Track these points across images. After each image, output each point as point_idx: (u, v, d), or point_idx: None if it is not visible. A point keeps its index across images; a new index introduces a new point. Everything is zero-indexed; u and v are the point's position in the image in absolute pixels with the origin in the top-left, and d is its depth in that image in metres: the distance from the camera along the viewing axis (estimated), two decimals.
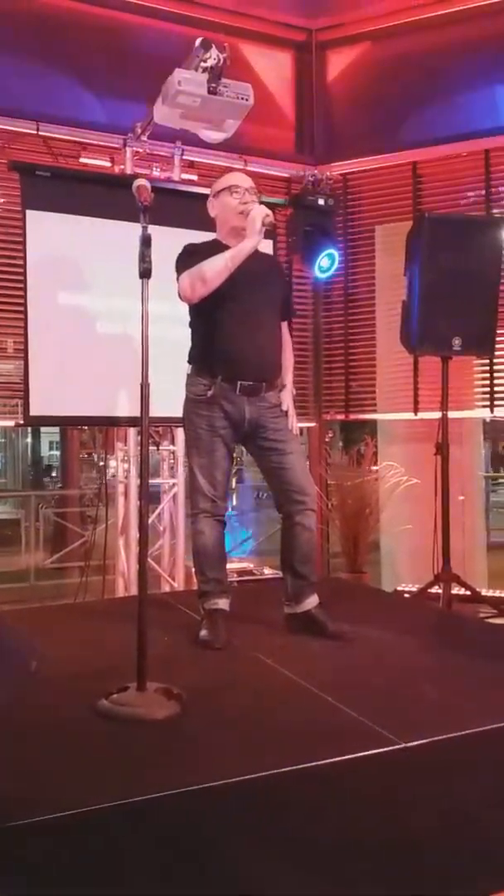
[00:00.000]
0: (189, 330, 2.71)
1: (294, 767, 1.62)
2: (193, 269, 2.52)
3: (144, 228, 2.05)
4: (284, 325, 2.80)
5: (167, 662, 2.24)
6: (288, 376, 2.77)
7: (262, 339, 2.62)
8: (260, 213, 2.49)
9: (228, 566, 2.94)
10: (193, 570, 2.75)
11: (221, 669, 2.33)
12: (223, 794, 1.55)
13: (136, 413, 2.07)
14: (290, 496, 2.65)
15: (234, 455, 2.74)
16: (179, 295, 2.57)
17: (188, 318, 2.70)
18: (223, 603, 2.64)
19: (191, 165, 4.33)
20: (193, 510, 2.67)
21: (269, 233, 2.69)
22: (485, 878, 1.75)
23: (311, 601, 2.67)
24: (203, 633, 2.55)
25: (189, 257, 2.57)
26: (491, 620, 3.82)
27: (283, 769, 1.61)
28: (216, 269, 2.49)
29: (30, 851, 1.40)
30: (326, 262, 4.54)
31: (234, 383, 2.59)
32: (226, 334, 2.58)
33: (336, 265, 4.54)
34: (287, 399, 2.71)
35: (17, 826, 1.39)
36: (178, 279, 2.57)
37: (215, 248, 2.57)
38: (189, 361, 2.71)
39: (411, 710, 1.98)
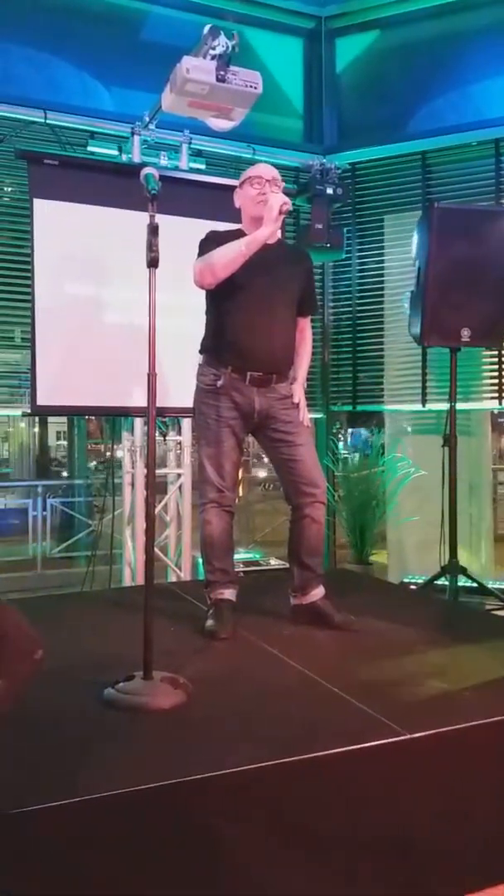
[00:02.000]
0: (203, 319, 2.70)
1: (299, 757, 1.62)
2: (207, 255, 2.51)
3: (152, 217, 2.04)
4: (306, 320, 2.77)
5: (173, 652, 2.25)
6: (301, 371, 2.75)
7: (274, 330, 2.61)
8: (277, 201, 2.47)
9: (235, 557, 2.94)
10: (201, 559, 2.76)
11: (227, 659, 2.34)
12: (228, 785, 1.56)
13: (144, 403, 2.07)
14: (299, 488, 2.64)
15: (243, 446, 2.73)
16: (194, 280, 2.56)
17: (203, 308, 2.69)
18: (229, 593, 2.65)
19: (199, 154, 4.31)
20: (202, 500, 2.67)
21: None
22: (488, 868, 1.75)
23: (317, 592, 2.67)
24: (209, 623, 2.56)
25: (209, 243, 2.56)
26: (497, 612, 3.81)
27: (288, 759, 1.62)
28: (230, 255, 2.47)
29: (34, 839, 1.41)
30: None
31: (244, 374, 2.59)
32: (237, 324, 2.57)
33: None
34: (298, 391, 2.70)
35: (22, 813, 1.39)
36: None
37: (238, 236, 2.56)
38: (200, 351, 2.70)
39: (416, 701, 1.98)
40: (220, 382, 2.59)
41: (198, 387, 2.67)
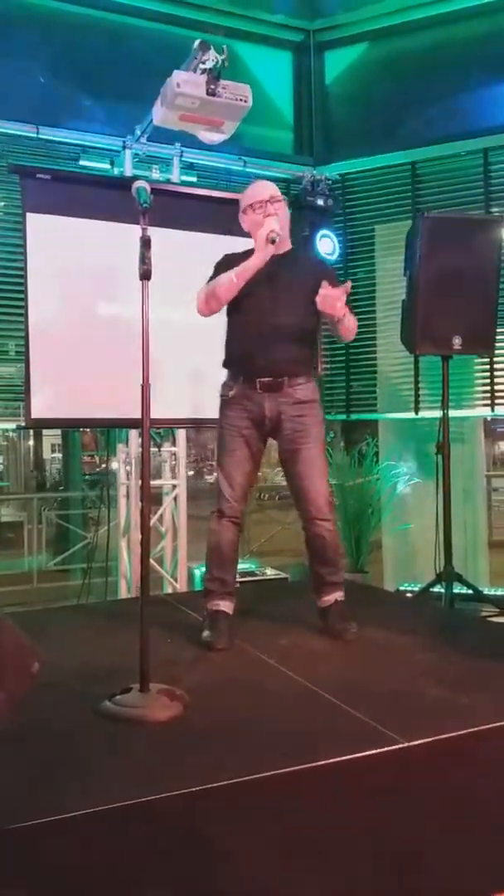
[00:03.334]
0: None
1: (296, 768, 1.62)
2: (205, 287, 2.61)
3: (144, 230, 2.06)
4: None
5: (170, 663, 2.25)
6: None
7: (280, 335, 2.62)
8: (265, 230, 2.53)
9: None
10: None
11: (224, 670, 2.34)
12: (226, 796, 1.55)
13: (138, 415, 2.08)
14: (302, 506, 2.70)
15: (259, 457, 2.75)
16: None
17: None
18: (224, 605, 2.65)
19: (190, 167, 4.34)
20: (212, 509, 2.72)
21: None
22: (487, 876, 1.75)
23: (328, 599, 2.72)
24: (205, 633, 2.57)
25: (218, 269, 2.65)
26: (493, 619, 3.82)
27: (286, 769, 1.62)
28: (224, 286, 2.57)
29: (32, 853, 1.40)
30: (328, 246, 4.55)
31: (254, 381, 2.63)
32: (244, 335, 2.64)
33: (337, 247, 4.58)
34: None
35: (20, 828, 1.39)
36: None
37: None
38: (223, 366, 2.77)
39: (413, 709, 1.98)
40: (231, 392, 2.68)
41: (220, 399, 2.75)
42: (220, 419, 2.73)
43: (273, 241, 2.53)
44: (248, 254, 2.64)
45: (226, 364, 2.75)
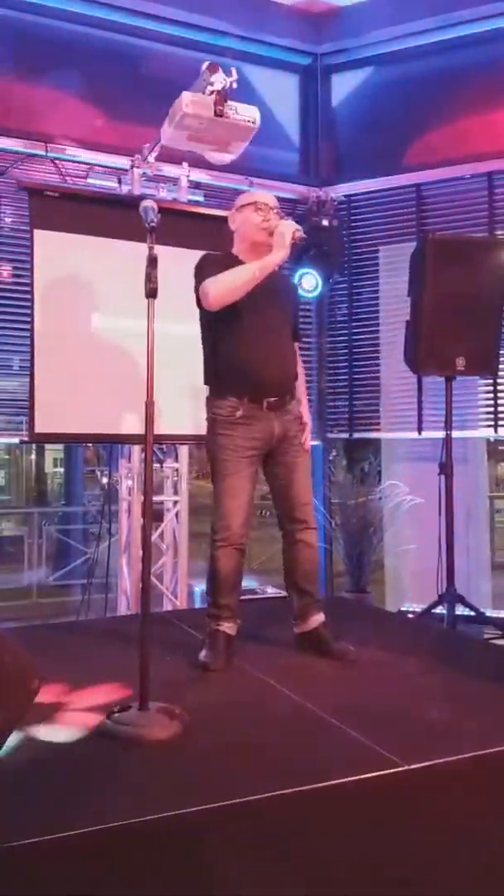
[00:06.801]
0: (202, 348, 2.69)
1: (296, 789, 1.61)
2: (220, 276, 2.50)
3: (151, 248, 2.07)
4: (296, 346, 2.79)
5: (169, 682, 2.23)
6: (304, 395, 2.78)
7: (283, 354, 2.64)
8: (289, 228, 2.51)
9: None
10: (202, 589, 2.75)
11: (223, 689, 2.32)
12: (224, 816, 1.54)
13: (141, 431, 2.08)
14: (292, 514, 2.66)
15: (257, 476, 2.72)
16: (201, 302, 2.55)
17: (198, 338, 2.68)
18: (227, 626, 2.61)
19: (197, 186, 4.38)
20: (212, 536, 2.61)
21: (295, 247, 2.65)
22: None
23: (317, 619, 2.67)
24: (202, 653, 2.54)
25: (211, 266, 2.57)
26: (495, 641, 3.80)
27: (285, 791, 1.60)
28: (244, 278, 2.50)
29: (30, 873, 1.39)
30: (310, 283, 4.58)
31: (261, 401, 2.58)
32: (250, 352, 2.55)
33: (321, 286, 4.61)
34: (306, 413, 2.72)
35: (17, 847, 1.38)
36: (198, 286, 2.55)
37: (232, 261, 2.60)
38: (206, 382, 2.67)
39: (414, 731, 1.96)
40: (239, 413, 2.57)
41: (213, 419, 2.62)
42: (220, 441, 2.58)
43: (301, 241, 2.53)
44: (228, 256, 2.64)
45: (220, 381, 2.62)
